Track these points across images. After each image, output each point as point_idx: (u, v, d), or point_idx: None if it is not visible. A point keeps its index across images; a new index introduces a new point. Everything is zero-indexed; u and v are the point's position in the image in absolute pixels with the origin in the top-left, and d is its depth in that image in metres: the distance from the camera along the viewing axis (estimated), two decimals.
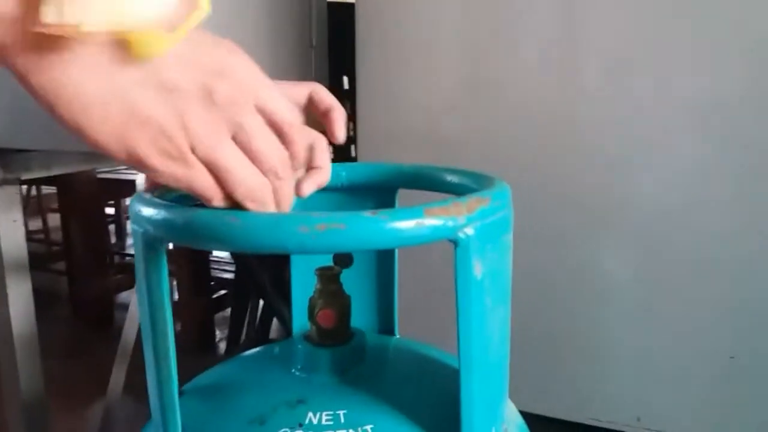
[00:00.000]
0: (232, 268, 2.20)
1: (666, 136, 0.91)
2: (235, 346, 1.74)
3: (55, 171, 0.85)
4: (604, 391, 1.00)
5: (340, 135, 0.46)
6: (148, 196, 0.42)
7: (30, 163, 0.81)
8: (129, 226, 3.02)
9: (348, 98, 1.15)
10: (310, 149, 0.41)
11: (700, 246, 0.91)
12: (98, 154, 0.88)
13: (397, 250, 0.64)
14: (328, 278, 0.53)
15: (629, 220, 0.95)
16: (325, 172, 0.42)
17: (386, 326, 0.66)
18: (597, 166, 0.95)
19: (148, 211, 0.40)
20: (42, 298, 0.84)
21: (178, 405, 0.43)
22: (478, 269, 0.42)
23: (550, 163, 0.98)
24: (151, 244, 0.40)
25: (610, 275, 0.97)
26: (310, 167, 0.42)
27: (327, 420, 0.45)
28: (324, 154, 0.42)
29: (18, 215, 0.80)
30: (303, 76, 1.20)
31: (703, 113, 0.89)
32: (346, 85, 1.28)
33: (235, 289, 1.86)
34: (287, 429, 0.44)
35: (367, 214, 0.38)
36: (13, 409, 0.84)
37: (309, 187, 0.41)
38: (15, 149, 0.79)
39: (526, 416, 0.55)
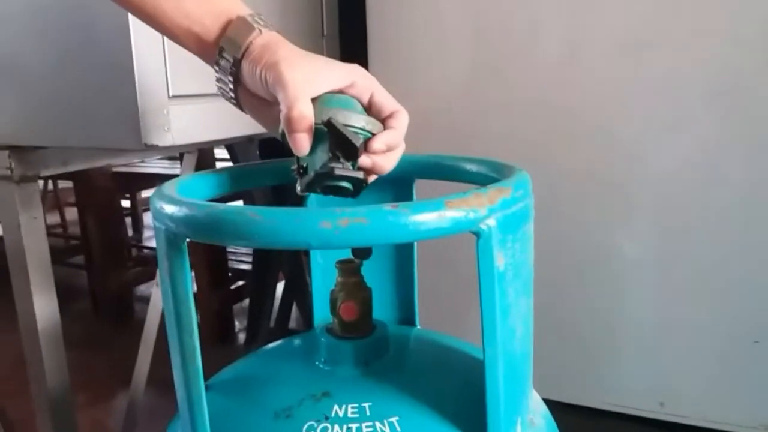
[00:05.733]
0: (250, 260, 2.21)
1: (682, 116, 0.89)
2: (254, 337, 1.75)
3: (72, 167, 0.86)
4: (626, 377, 0.99)
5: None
6: (171, 191, 0.42)
7: (48, 160, 0.82)
8: (146, 218, 3.04)
9: None
10: (391, 115, 0.48)
11: (720, 228, 0.89)
12: (112, 149, 0.87)
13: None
14: (349, 271, 0.53)
15: (647, 203, 0.93)
16: (393, 133, 0.48)
17: (406, 317, 0.66)
18: (612, 148, 0.94)
19: (170, 209, 0.40)
20: (61, 292, 0.85)
21: (205, 400, 0.44)
22: (500, 261, 0.42)
23: (564, 146, 0.96)
24: (173, 241, 0.40)
25: (629, 259, 0.96)
26: (386, 128, 0.48)
27: (353, 412, 0.45)
28: (397, 121, 0.48)
29: (38, 212, 0.81)
30: None
31: (718, 92, 0.87)
32: None
33: (253, 280, 1.87)
34: (313, 422, 0.44)
35: (388, 207, 0.37)
36: (39, 402, 0.86)
37: (378, 143, 0.46)
38: (32, 146, 0.80)
39: (548, 403, 0.55)
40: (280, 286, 1.73)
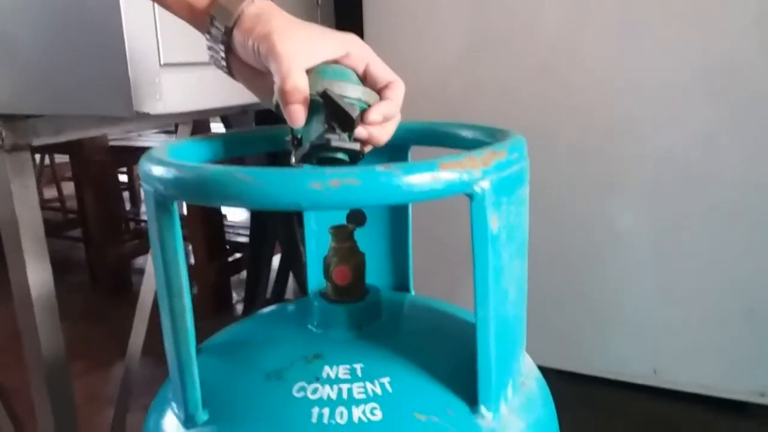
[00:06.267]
0: (247, 232, 2.21)
1: (677, 93, 0.89)
2: (251, 308, 1.76)
3: (65, 136, 0.85)
4: (620, 345, 1.00)
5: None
6: (160, 154, 0.42)
7: (39, 129, 0.81)
8: (143, 192, 3.04)
9: None
10: (387, 86, 0.48)
11: (714, 200, 0.90)
12: (104, 117, 0.86)
13: (410, 207, 0.64)
14: (342, 236, 0.52)
15: (642, 176, 0.93)
16: (389, 104, 0.47)
17: (401, 283, 0.66)
18: (608, 123, 0.93)
19: (158, 171, 0.39)
20: (60, 265, 0.85)
21: (195, 362, 0.44)
22: (494, 223, 0.41)
23: (561, 119, 0.96)
24: (162, 204, 0.40)
25: (625, 230, 0.96)
26: (382, 99, 0.47)
27: (344, 373, 0.45)
28: (393, 92, 0.48)
29: (30, 181, 0.80)
30: None
31: (713, 69, 0.86)
32: None
33: (250, 252, 1.87)
34: (304, 383, 0.45)
35: (381, 168, 0.37)
36: (35, 370, 0.86)
37: (374, 114, 0.46)
38: (23, 115, 0.79)
39: (542, 370, 0.55)
40: (278, 259, 1.73)
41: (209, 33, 0.48)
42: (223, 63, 0.50)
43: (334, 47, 0.47)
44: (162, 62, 0.71)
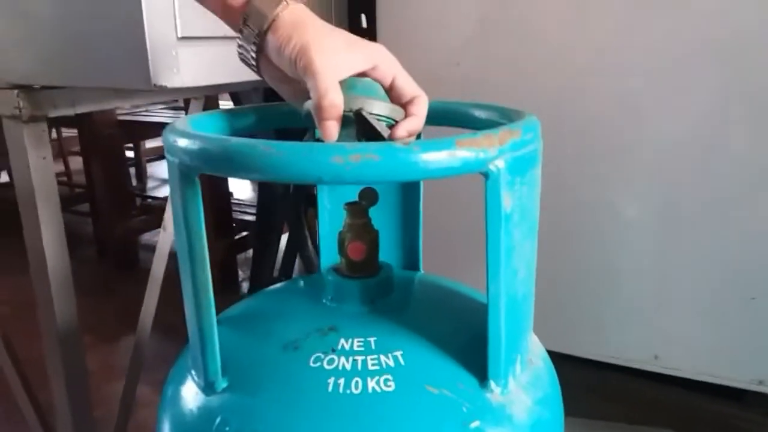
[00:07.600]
0: (254, 211, 2.23)
1: (683, 77, 0.89)
2: (257, 286, 1.78)
3: (80, 108, 0.86)
4: (622, 330, 1.01)
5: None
6: (184, 126, 0.43)
7: (56, 100, 0.82)
8: (150, 168, 3.05)
9: (366, 37, 1.13)
10: (412, 101, 0.49)
11: (718, 186, 0.90)
12: (120, 91, 0.87)
13: (422, 187, 0.64)
14: (357, 212, 0.53)
15: (646, 160, 0.94)
16: (414, 121, 0.49)
17: (411, 262, 0.67)
18: (614, 106, 0.94)
19: (183, 142, 0.40)
20: (67, 239, 0.86)
21: (216, 331, 0.45)
22: (507, 202, 0.42)
23: (567, 103, 0.96)
24: (186, 175, 0.41)
25: (629, 214, 0.97)
26: (408, 115, 0.49)
27: (358, 346, 0.46)
28: (418, 108, 0.49)
29: (47, 152, 0.82)
30: (322, 15, 1.18)
31: (720, 52, 0.86)
32: (364, 24, 1.25)
33: (256, 230, 1.89)
34: (320, 353, 0.46)
35: (400, 144, 0.38)
36: (49, 339, 0.88)
37: (401, 131, 0.47)
38: (40, 86, 0.80)
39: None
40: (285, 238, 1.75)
41: (241, 32, 0.49)
42: (253, 63, 0.51)
43: (364, 60, 0.48)
44: (179, 35, 0.71)
